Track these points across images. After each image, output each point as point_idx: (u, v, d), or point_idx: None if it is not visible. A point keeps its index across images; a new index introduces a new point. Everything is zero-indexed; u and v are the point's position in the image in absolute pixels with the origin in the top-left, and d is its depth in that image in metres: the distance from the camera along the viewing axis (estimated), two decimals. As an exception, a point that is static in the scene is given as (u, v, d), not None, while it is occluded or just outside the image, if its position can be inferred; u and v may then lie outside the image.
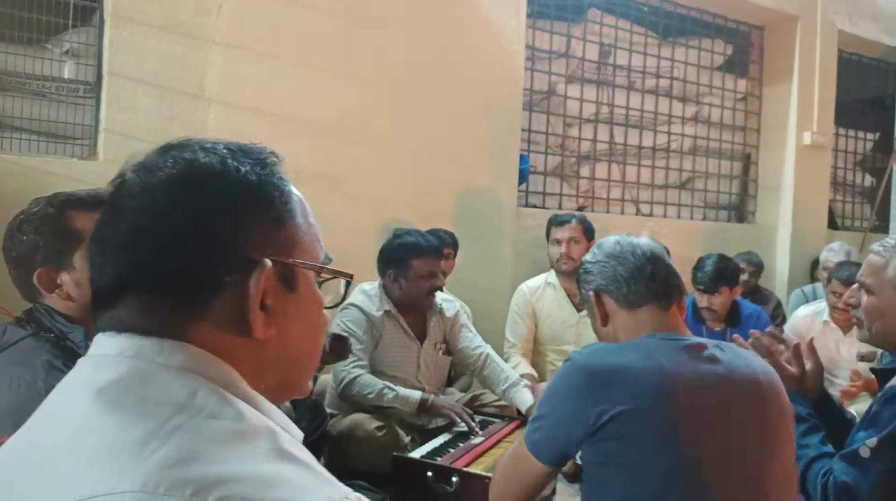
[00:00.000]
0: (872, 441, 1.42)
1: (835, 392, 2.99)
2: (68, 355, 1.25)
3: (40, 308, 1.34)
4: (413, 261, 2.60)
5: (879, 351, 2.06)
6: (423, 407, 2.52)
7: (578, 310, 3.24)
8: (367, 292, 2.69)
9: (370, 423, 2.44)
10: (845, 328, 3.27)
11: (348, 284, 0.73)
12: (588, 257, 1.49)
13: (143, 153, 0.65)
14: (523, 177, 4.03)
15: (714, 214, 5.14)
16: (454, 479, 1.99)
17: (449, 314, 2.81)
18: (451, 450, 2.23)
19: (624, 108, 4.68)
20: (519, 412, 2.69)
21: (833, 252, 4.04)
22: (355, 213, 3.33)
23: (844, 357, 3.30)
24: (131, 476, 0.50)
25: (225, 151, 0.63)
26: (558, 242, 3.28)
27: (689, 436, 1.22)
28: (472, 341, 2.82)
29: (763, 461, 1.28)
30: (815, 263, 4.69)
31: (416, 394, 2.53)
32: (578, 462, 1.33)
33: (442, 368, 2.88)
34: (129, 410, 0.54)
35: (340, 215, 3.23)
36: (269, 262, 0.62)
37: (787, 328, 3.54)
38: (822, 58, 5.04)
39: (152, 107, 2.93)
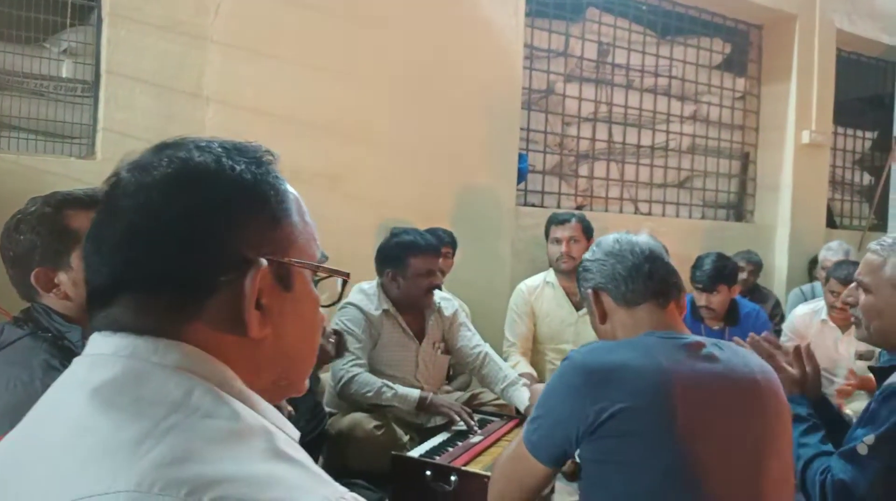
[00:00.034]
0: (870, 439, 1.43)
1: (833, 392, 2.99)
2: (66, 354, 1.25)
3: (38, 308, 1.35)
4: (411, 259, 2.60)
5: (877, 350, 2.06)
6: (422, 406, 2.52)
7: (577, 309, 3.24)
8: (366, 292, 2.69)
9: (369, 422, 2.44)
10: (843, 327, 3.27)
11: (345, 282, 0.73)
12: (587, 255, 1.50)
13: (138, 152, 0.64)
14: (522, 176, 4.03)
15: (713, 212, 5.14)
16: (453, 478, 1.99)
17: (447, 312, 2.81)
18: (450, 449, 2.22)
19: (622, 106, 4.68)
20: (518, 410, 2.69)
21: (832, 251, 4.04)
22: (354, 212, 3.33)
23: (843, 356, 3.30)
24: (126, 476, 0.49)
25: (220, 149, 0.63)
26: (558, 241, 3.28)
27: (686, 434, 1.22)
28: (471, 340, 2.82)
29: (761, 459, 1.29)
30: (814, 261, 4.69)
31: (415, 392, 2.53)
32: (577, 460, 1.33)
33: (440, 367, 2.88)
34: (124, 409, 0.54)
35: (339, 214, 3.23)
36: (264, 261, 0.61)
37: (786, 326, 3.55)
38: (821, 57, 5.04)
39: (150, 106, 2.93)
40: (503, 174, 3.87)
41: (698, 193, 5.06)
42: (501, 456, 1.48)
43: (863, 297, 1.59)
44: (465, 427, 2.44)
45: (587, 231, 3.31)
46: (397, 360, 2.67)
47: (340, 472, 2.34)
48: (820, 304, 3.42)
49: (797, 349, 1.68)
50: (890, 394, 1.44)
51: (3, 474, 0.56)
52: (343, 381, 2.50)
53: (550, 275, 3.35)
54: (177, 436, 0.52)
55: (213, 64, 3.06)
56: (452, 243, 3.34)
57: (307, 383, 0.71)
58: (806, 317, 3.44)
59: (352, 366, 2.51)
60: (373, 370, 2.60)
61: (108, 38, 2.89)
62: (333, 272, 0.70)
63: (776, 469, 1.31)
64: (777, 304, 4.33)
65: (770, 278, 4.87)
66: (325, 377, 2.73)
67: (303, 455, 0.58)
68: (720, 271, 3.16)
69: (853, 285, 1.64)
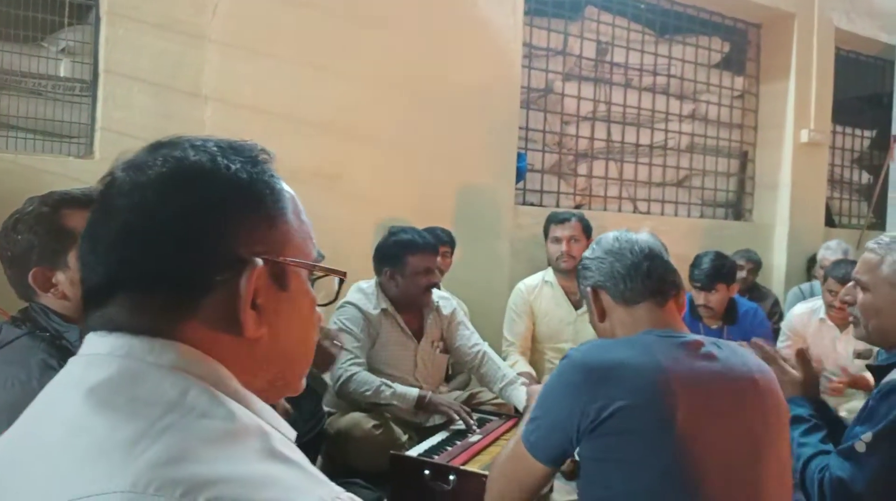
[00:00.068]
0: (868, 436, 1.43)
1: (824, 388, 2.99)
2: (63, 354, 1.25)
3: (36, 307, 1.35)
4: (409, 258, 2.60)
5: (876, 348, 2.06)
6: (421, 404, 2.52)
7: (576, 308, 3.24)
8: (364, 291, 2.69)
9: (367, 422, 2.44)
10: (841, 326, 3.28)
11: (341, 282, 0.73)
12: (587, 253, 1.50)
13: (134, 151, 0.64)
14: (521, 175, 4.03)
15: (711, 211, 5.15)
16: (451, 477, 1.99)
17: (446, 311, 2.81)
18: (449, 448, 2.23)
19: (621, 105, 4.68)
20: (516, 410, 2.69)
21: (830, 250, 4.05)
22: (352, 211, 3.33)
23: (841, 355, 3.30)
24: (121, 476, 0.49)
25: (215, 148, 0.63)
26: (558, 240, 3.28)
27: (685, 433, 1.22)
28: (469, 338, 2.82)
29: (759, 458, 1.29)
30: (812, 260, 4.69)
31: (414, 391, 2.53)
32: (577, 458, 1.33)
33: (439, 366, 2.88)
34: (119, 409, 0.54)
35: (338, 213, 3.23)
36: (260, 261, 0.61)
37: (784, 325, 3.55)
38: (820, 55, 5.04)
39: (149, 105, 2.93)
40: (502, 173, 3.87)
41: (697, 191, 5.06)
42: (499, 457, 1.48)
43: (861, 295, 1.59)
44: (463, 427, 2.44)
45: (587, 230, 3.31)
46: (396, 359, 2.68)
47: (339, 471, 2.35)
48: (818, 303, 3.43)
49: (800, 350, 1.69)
50: (888, 392, 1.45)
51: None
52: (341, 380, 2.50)
53: (549, 274, 3.35)
54: (172, 436, 0.52)
55: (211, 63, 3.05)
56: (451, 243, 3.34)
57: (304, 382, 0.71)
58: (804, 316, 3.44)
59: (350, 365, 2.51)
60: (371, 369, 2.60)
61: (106, 38, 2.88)
62: (330, 271, 0.70)
63: (774, 467, 1.31)
64: (776, 303, 4.33)
65: (769, 276, 4.88)
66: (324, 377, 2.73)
67: (299, 456, 0.58)
68: (718, 270, 3.16)
69: (851, 283, 1.64)
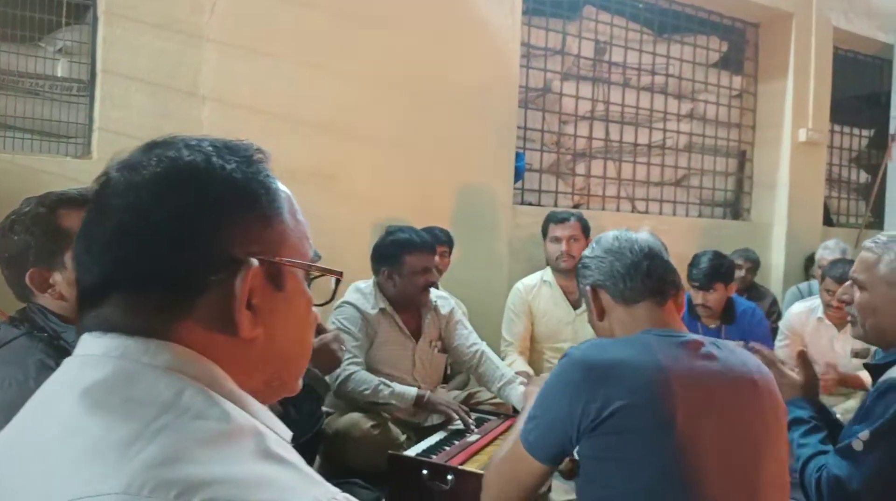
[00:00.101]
0: (865, 435, 1.43)
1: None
2: (61, 354, 1.24)
3: (33, 308, 1.35)
4: (406, 257, 2.60)
5: (873, 347, 2.07)
6: (420, 403, 2.52)
7: (575, 308, 3.25)
8: (362, 290, 2.69)
9: (366, 422, 2.44)
10: (839, 325, 3.28)
11: (338, 281, 0.73)
12: (587, 251, 1.50)
13: (129, 151, 0.64)
14: (519, 174, 4.03)
15: (709, 211, 5.15)
16: (449, 477, 1.99)
17: (444, 311, 2.81)
18: (447, 448, 2.23)
19: (619, 105, 4.68)
20: (514, 409, 2.69)
21: (828, 250, 4.05)
22: (350, 211, 3.33)
23: (839, 354, 3.31)
24: (116, 477, 0.49)
25: (210, 148, 0.63)
26: (557, 239, 3.27)
27: (685, 432, 1.22)
28: (468, 338, 2.82)
29: (758, 457, 1.29)
30: (811, 259, 4.70)
31: (413, 390, 2.53)
32: (576, 457, 1.33)
33: (437, 365, 2.88)
34: (114, 410, 0.54)
35: (335, 213, 3.23)
36: (255, 261, 0.61)
37: (782, 324, 3.55)
38: (818, 55, 5.04)
39: (146, 105, 2.93)
40: (500, 173, 3.87)
41: (695, 191, 5.07)
42: (495, 457, 1.47)
43: (858, 294, 1.59)
44: (462, 426, 2.44)
45: (586, 230, 3.32)
46: (394, 358, 2.67)
47: (337, 471, 2.34)
48: (816, 302, 3.43)
49: (801, 352, 1.70)
50: (885, 390, 1.45)
51: None
52: (340, 379, 2.50)
53: (548, 274, 3.35)
54: (167, 437, 0.52)
55: (209, 62, 3.05)
56: (449, 242, 3.33)
57: (300, 383, 0.70)
58: (802, 315, 3.44)
59: (348, 364, 2.51)
60: (369, 368, 2.60)
61: (103, 37, 2.88)
62: (326, 271, 0.69)
63: (773, 467, 1.31)
64: (774, 302, 4.33)
65: (767, 276, 4.88)
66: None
67: (294, 456, 0.58)
68: (717, 270, 3.16)
69: (848, 282, 1.64)
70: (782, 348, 3.38)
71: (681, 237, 4.38)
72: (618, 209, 4.68)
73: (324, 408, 2.58)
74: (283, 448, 0.58)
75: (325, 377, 1.81)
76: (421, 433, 2.54)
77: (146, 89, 2.93)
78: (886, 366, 1.52)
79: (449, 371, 3.20)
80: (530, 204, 4.30)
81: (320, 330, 1.79)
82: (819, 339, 3.37)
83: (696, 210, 5.07)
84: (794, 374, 1.66)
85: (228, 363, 0.61)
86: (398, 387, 2.52)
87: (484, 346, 2.83)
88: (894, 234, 1.60)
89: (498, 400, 2.79)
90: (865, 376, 2.61)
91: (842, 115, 5.53)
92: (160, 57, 2.95)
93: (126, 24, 2.89)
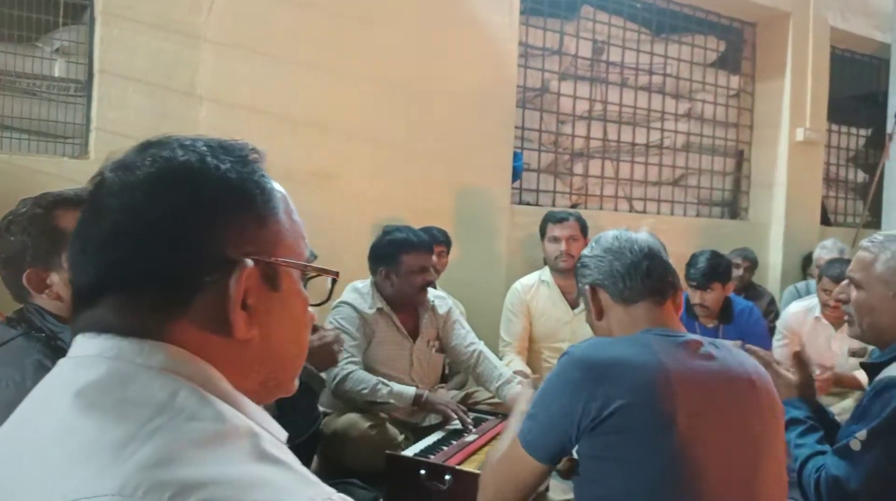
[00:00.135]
0: (862, 434, 1.43)
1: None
2: (59, 354, 1.24)
3: (31, 308, 1.35)
4: (403, 257, 2.60)
5: (870, 347, 2.07)
6: (418, 403, 2.52)
7: (573, 307, 3.25)
8: (360, 290, 2.69)
9: (364, 422, 2.44)
10: (837, 325, 3.28)
11: (334, 281, 0.72)
12: (586, 251, 1.49)
13: (124, 151, 0.64)
14: (517, 174, 4.03)
15: (707, 210, 5.15)
16: (447, 477, 1.99)
17: (441, 311, 2.81)
18: (445, 448, 2.23)
19: (617, 105, 4.69)
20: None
21: (826, 250, 4.06)
22: (349, 211, 3.33)
23: (836, 353, 3.31)
24: (110, 479, 0.49)
25: (204, 148, 0.63)
26: (556, 239, 3.27)
27: (685, 432, 1.22)
28: (465, 338, 2.82)
29: (757, 457, 1.29)
30: (808, 259, 4.71)
31: (411, 390, 2.53)
32: (575, 456, 1.33)
33: (435, 365, 2.88)
34: (108, 411, 0.54)
35: (333, 213, 3.23)
36: (249, 261, 0.61)
37: (780, 324, 3.55)
38: (815, 54, 5.05)
39: (144, 105, 2.92)
40: (498, 173, 3.87)
41: (693, 190, 5.07)
42: (491, 457, 1.46)
43: (854, 294, 1.59)
44: (460, 426, 2.44)
45: (584, 229, 3.32)
46: (392, 358, 2.67)
47: (335, 472, 2.34)
48: (813, 301, 3.43)
49: (797, 353, 1.70)
50: (881, 389, 1.45)
51: None
52: (338, 378, 2.50)
53: (546, 274, 3.35)
54: (161, 438, 0.52)
55: (206, 62, 3.05)
56: (447, 242, 3.33)
57: (297, 383, 0.70)
58: (799, 314, 3.45)
59: (347, 364, 2.51)
60: (367, 368, 2.60)
61: (100, 37, 2.88)
62: (321, 271, 0.69)
63: (772, 467, 1.31)
64: (772, 301, 4.34)
65: (764, 275, 4.89)
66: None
67: (289, 457, 0.57)
68: (714, 269, 3.16)
69: (845, 282, 1.64)
70: (780, 347, 3.38)
71: (678, 237, 4.38)
72: (616, 209, 4.68)
73: (322, 408, 2.59)
74: (278, 448, 0.57)
75: (321, 373, 1.81)
76: (419, 433, 2.54)
77: (143, 90, 2.93)
78: (883, 365, 1.52)
79: (447, 371, 3.20)
80: (528, 204, 4.30)
81: (316, 330, 1.80)
82: (816, 338, 3.38)
83: (694, 210, 5.08)
84: (790, 374, 1.66)
85: (223, 364, 0.61)
86: (396, 386, 2.52)
87: (482, 346, 2.82)
88: (891, 233, 1.61)
89: (496, 400, 2.79)
90: (862, 376, 2.62)
91: (839, 114, 5.54)
92: (157, 57, 2.95)
93: (123, 24, 2.89)
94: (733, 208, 5.28)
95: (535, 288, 3.33)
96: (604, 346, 1.34)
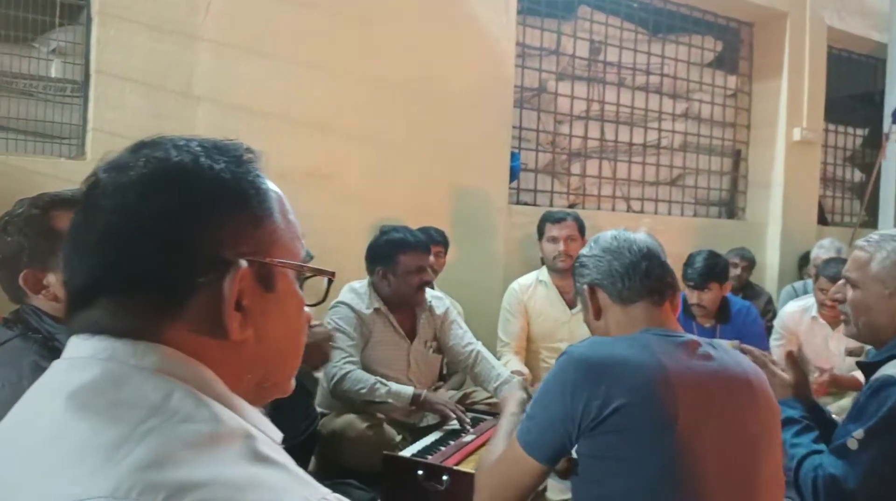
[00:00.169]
0: (859, 433, 1.44)
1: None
2: (55, 355, 1.23)
3: (27, 309, 1.35)
4: (400, 257, 2.60)
5: (867, 346, 2.08)
6: (416, 402, 2.52)
7: (570, 307, 3.25)
8: (357, 291, 2.69)
9: (361, 422, 2.44)
10: (834, 324, 3.29)
11: (330, 281, 0.72)
12: (584, 250, 1.49)
13: (117, 152, 0.64)
14: (514, 174, 4.03)
15: (704, 210, 5.16)
16: (444, 478, 1.99)
17: (438, 311, 2.81)
18: (442, 448, 2.22)
19: (614, 104, 4.69)
20: (510, 409, 2.69)
21: (824, 249, 4.06)
22: (346, 211, 3.33)
23: (833, 353, 3.32)
24: (103, 481, 0.49)
25: (198, 148, 0.62)
26: (555, 239, 3.27)
27: (685, 431, 1.22)
28: (463, 338, 2.82)
29: (756, 456, 1.29)
30: (805, 258, 4.71)
31: (409, 389, 2.53)
32: (574, 455, 1.33)
33: (432, 366, 2.87)
34: (101, 413, 0.53)
35: (331, 213, 3.22)
36: (243, 262, 0.61)
37: (777, 323, 3.56)
38: (812, 54, 5.06)
39: (140, 105, 2.92)
40: (495, 173, 3.87)
41: (690, 190, 5.08)
42: (485, 459, 1.45)
43: (850, 293, 1.60)
44: (458, 426, 2.44)
45: (582, 229, 3.32)
46: (389, 359, 2.67)
47: (333, 472, 2.34)
48: (810, 301, 3.44)
49: (789, 353, 1.70)
50: (878, 388, 1.45)
51: None
52: (336, 378, 2.49)
53: (543, 274, 3.35)
54: (155, 440, 0.51)
55: (203, 63, 3.05)
56: (444, 242, 3.33)
57: (293, 383, 0.70)
58: (796, 314, 3.45)
59: (345, 363, 2.51)
60: (365, 368, 2.59)
61: (97, 38, 2.87)
62: (317, 271, 0.69)
63: (770, 467, 1.31)
64: (769, 301, 4.34)
65: (762, 274, 4.89)
66: (319, 376, 2.73)
67: (284, 458, 0.57)
68: (711, 269, 3.17)
69: (841, 281, 1.65)
70: (777, 347, 3.39)
71: (676, 237, 4.39)
72: (613, 209, 4.69)
73: (319, 409, 2.59)
74: (272, 449, 0.57)
75: (314, 373, 1.81)
76: (416, 433, 2.54)
77: (140, 90, 2.93)
78: (879, 364, 1.53)
79: (445, 371, 3.20)
80: (526, 204, 4.31)
81: (321, 331, 1.81)
82: (813, 338, 3.38)
83: (692, 209, 5.08)
84: (785, 374, 1.67)
85: (218, 365, 0.61)
86: (395, 386, 2.52)
87: (479, 346, 2.82)
88: (886, 232, 1.61)
89: (494, 400, 2.78)
90: (860, 376, 2.62)
91: (836, 114, 5.55)
92: (154, 57, 2.94)
93: (120, 24, 2.89)
94: (730, 207, 5.29)
95: (533, 288, 3.33)
96: (603, 345, 1.33)
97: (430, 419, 2.62)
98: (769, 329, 3.61)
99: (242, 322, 0.61)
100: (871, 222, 5.39)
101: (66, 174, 2.69)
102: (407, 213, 3.36)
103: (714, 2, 4.89)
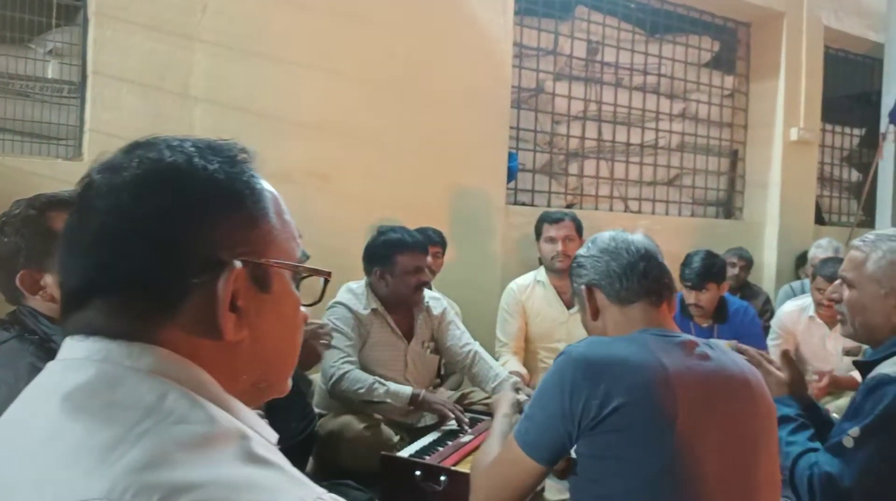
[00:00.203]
0: (855, 431, 1.44)
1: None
2: (52, 357, 1.23)
3: (24, 310, 1.35)
4: (398, 257, 2.60)
5: (864, 346, 2.08)
6: (415, 402, 2.52)
7: (568, 307, 3.25)
8: (354, 291, 2.69)
9: (358, 423, 2.44)
10: (831, 324, 3.29)
11: (326, 282, 0.72)
12: (582, 251, 1.49)
13: (111, 153, 0.64)
14: (512, 175, 4.03)
15: (702, 210, 5.17)
16: (442, 478, 1.99)
17: (436, 312, 2.81)
18: (440, 449, 2.22)
19: (612, 105, 4.69)
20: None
21: (821, 249, 4.07)
22: (344, 211, 3.32)
23: (830, 353, 3.32)
24: (98, 482, 0.49)
25: (192, 149, 0.62)
26: (553, 240, 3.27)
27: (684, 431, 1.22)
28: (460, 338, 2.82)
29: (754, 455, 1.30)
30: (802, 258, 4.72)
31: (408, 389, 2.53)
32: (573, 455, 1.33)
33: (430, 366, 2.87)
34: (96, 414, 0.53)
35: (329, 213, 3.22)
36: (238, 263, 0.60)
37: (774, 323, 3.56)
38: (809, 54, 5.07)
39: (137, 106, 2.92)
40: (493, 173, 3.87)
41: (687, 190, 5.08)
42: (480, 460, 1.44)
43: (847, 293, 1.60)
44: (455, 427, 2.44)
45: (579, 229, 3.33)
46: (386, 359, 2.67)
47: (330, 473, 2.34)
48: (808, 301, 3.44)
49: (784, 352, 1.71)
50: (873, 387, 1.46)
51: None
52: (334, 378, 2.49)
53: (541, 274, 3.35)
54: (150, 441, 0.51)
55: (200, 63, 3.04)
56: (442, 243, 3.33)
57: (290, 384, 0.70)
58: (794, 314, 3.46)
59: (343, 363, 2.51)
60: (362, 369, 2.59)
61: (94, 39, 2.87)
62: (313, 272, 0.69)
63: (768, 465, 1.32)
64: (767, 300, 4.35)
65: (759, 274, 4.90)
66: (316, 377, 2.73)
67: (279, 458, 0.57)
68: (709, 269, 3.17)
69: (838, 281, 1.65)
70: (774, 346, 3.39)
71: (673, 237, 4.39)
72: (611, 209, 4.69)
73: (317, 409, 2.59)
74: (267, 450, 0.57)
75: (306, 373, 1.81)
76: (414, 434, 2.54)
77: (137, 91, 2.92)
78: (875, 363, 1.53)
79: (443, 372, 3.20)
80: (523, 204, 4.31)
81: (309, 330, 1.80)
82: (811, 337, 3.39)
83: (689, 209, 5.09)
84: (781, 372, 1.67)
85: (214, 366, 0.60)
86: (393, 386, 2.52)
87: (477, 346, 2.82)
88: (882, 232, 1.61)
89: (491, 400, 2.79)
90: (858, 376, 2.63)
91: (833, 114, 5.56)
92: (151, 58, 2.94)
93: (117, 25, 2.88)
94: (728, 207, 5.29)
95: (531, 288, 3.33)
96: (601, 345, 1.34)
97: (428, 419, 2.62)
98: (767, 329, 3.61)
99: (237, 323, 0.61)
100: (868, 221, 5.40)
101: (62, 175, 2.69)
102: (404, 213, 3.36)
103: (711, 2, 4.89)
